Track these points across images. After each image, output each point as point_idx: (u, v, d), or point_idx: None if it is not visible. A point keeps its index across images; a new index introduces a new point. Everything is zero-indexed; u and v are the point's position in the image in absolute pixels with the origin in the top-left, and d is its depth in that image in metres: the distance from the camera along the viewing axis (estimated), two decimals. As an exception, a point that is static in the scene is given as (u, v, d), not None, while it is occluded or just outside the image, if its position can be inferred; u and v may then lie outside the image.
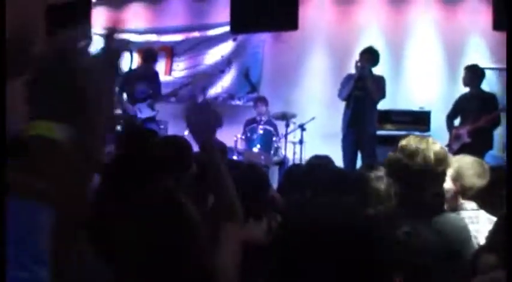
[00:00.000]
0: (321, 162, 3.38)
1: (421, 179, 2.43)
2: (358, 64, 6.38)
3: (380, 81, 6.45)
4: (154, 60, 7.53)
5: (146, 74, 7.33)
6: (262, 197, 2.75)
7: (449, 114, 6.53)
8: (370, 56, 6.45)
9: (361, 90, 6.33)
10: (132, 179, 1.74)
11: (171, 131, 8.28)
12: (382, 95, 6.44)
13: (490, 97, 6.32)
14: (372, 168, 2.80)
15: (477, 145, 5.95)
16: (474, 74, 6.29)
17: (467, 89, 6.44)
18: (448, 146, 6.11)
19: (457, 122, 6.59)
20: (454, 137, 6.32)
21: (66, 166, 1.15)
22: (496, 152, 7.38)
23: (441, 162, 2.45)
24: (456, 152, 5.98)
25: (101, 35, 7.92)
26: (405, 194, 2.46)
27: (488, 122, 6.12)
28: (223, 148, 5.12)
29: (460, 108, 6.42)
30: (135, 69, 7.85)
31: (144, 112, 7.18)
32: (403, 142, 2.54)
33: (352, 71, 6.53)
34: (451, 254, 2.01)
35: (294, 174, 3.51)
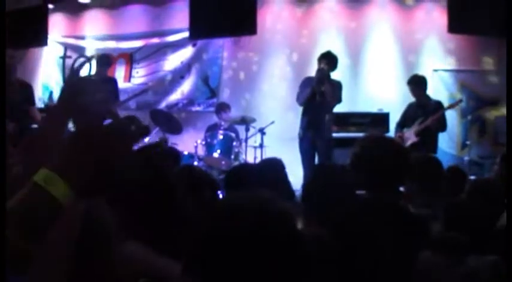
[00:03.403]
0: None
1: None
2: (321, 67, 6.37)
3: (337, 86, 6.46)
4: (109, 64, 7.41)
5: (102, 80, 7.19)
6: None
7: (398, 122, 6.70)
8: (328, 60, 6.44)
9: (319, 94, 6.33)
10: None
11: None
12: (338, 100, 6.46)
13: (435, 104, 6.51)
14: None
15: (423, 146, 6.08)
16: (416, 85, 6.49)
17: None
18: None
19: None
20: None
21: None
22: (453, 151, 7.52)
23: None
24: None
25: (57, 42, 7.71)
26: None
27: (434, 121, 6.25)
28: (176, 154, 5.04)
29: (408, 116, 6.59)
30: (90, 76, 7.70)
31: (100, 119, 7.03)
32: None
33: (312, 74, 6.52)
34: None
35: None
